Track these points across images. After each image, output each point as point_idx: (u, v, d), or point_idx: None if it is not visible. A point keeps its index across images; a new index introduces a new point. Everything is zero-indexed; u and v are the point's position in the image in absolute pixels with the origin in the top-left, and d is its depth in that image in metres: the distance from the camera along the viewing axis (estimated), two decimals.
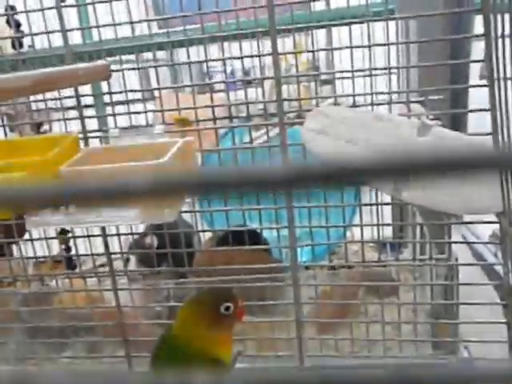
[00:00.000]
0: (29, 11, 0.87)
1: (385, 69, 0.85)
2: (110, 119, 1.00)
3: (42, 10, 0.84)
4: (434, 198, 0.62)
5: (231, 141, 0.92)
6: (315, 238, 0.93)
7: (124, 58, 0.98)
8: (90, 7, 0.90)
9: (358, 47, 0.79)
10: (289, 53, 0.88)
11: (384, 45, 0.81)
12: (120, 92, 0.89)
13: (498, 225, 0.77)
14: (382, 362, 0.91)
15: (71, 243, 1.10)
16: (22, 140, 0.72)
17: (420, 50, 0.94)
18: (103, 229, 0.85)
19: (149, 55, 1.21)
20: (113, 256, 0.91)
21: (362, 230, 0.89)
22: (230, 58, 0.87)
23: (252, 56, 0.85)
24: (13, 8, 0.96)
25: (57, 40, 0.91)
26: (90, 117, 0.90)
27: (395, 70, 1.00)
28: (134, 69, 0.92)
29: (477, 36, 0.65)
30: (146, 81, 1.73)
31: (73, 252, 1.08)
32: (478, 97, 0.83)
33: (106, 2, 0.84)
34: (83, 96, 0.87)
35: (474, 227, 1.34)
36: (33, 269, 1.11)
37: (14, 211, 0.61)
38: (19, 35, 0.94)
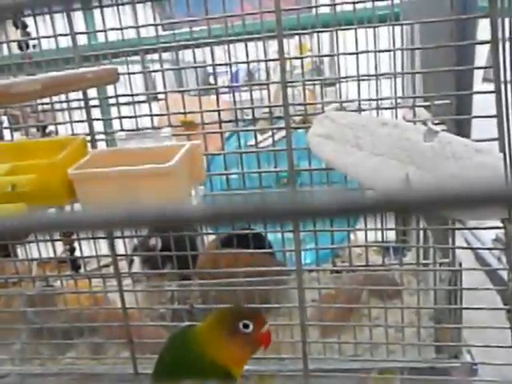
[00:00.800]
0: (36, 14, 0.87)
1: (390, 74, 0.85)
2: (115, 121, 1.00)
3: (50, 12, 0.84)
4: None
5: (236, 143, 0.92)
6: (319, 241, 0.93)
7: (129, 59, 0.99)
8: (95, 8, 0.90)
9: (364, 52, 0.79)
10: (296, 58, 0.88)
11: (390, 50, 0.82)
12: (126, 95, 0.89)
13: (501, 229, 0.77)
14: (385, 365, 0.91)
15: (75, 244, 1.10)
16: (30, 142, 0.72)
17: (425, 54, 0.94)
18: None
19: (153, 56, 1.22)
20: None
21: (366, 233, 0.89)
22: (236, 63, 0.87)
23: (259, 61, 0.86)
24: None
25: (63, 41, 0.91)
26: (96, 119, 0.90)
27: (400, 74, 1.00)
28: (140, 72, 0.93)
29: (483, 42, 0.65)
30: (151, 82, 1.73)
31: (77, 253, 1.08)
32: (481, 100, 0.84)
33: (113, 5, 0.84)
34: (90, 99, 0.87)
35: (477, 231, 1.35)
36: (37, 269, 1.11)
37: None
38: (26, 37, 0.94)
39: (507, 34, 0.61)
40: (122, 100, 0.93)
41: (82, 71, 0.62)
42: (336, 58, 0.97)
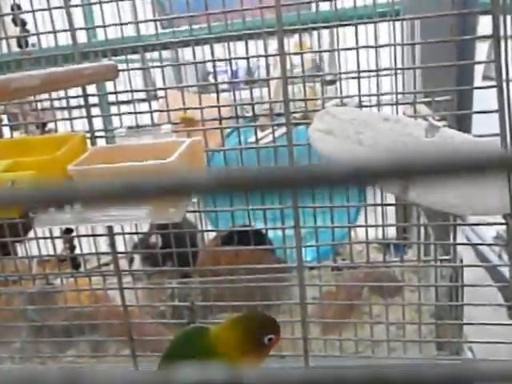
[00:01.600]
0: (35, 10, 0.87)
1: (391, 69, 0.85)
2: (114, 118, 1.00)
3: (49, 9, 0.84)
4: (441, 199, 0.62)
5: (235, 140, 0.92)
6: (319, 238, 0.93)
7: (128, 57, 0.98)
8: (94, 6, 0.90)
9: (365, 47, 0.79)
10: (296, 53, 0.88)
11: (390, 45, 0.81)
12: (126, 91, 0.89)
13: (501, 226, 0.77)
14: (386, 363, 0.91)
15: (75, 242, 1.10)
16: (30, 139, 0.72)
17: (426, 50, 0.94)
18: (109, 228, 0.85)
19: (152, 54, 1.22)
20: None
21: (366, 230, 0.89)
22: (236, 58, 0.87)
23: (259, 56, 0.85)
24: (19, 7, 0.96)
25: (62, 38, 0.91)
26: (96, 116, 0.90)
27: (400, 71, 1.00)
28: (139, 69, 0.92)
29: (485, 37, 0.65)
30: (150, 82, 1.73)
31: (77, 251, 1.08)
32: (480, 97, 0.84)
33: (112, 1, 0.84)
34: (89, 96, 0.87)
35: (477, 228, 1.34)
36: (37, 267, 1.11)
37: (24, 211, 0.61)
38: (25, 34, 0.94)
39: (509, 31, 0.61)
40: (121, 98, 0.93)
41: (82, 67, 0.62)
42: (336, 55, 0.97)
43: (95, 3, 0.86)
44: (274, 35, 0.81)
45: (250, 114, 0.88)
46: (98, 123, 0.90)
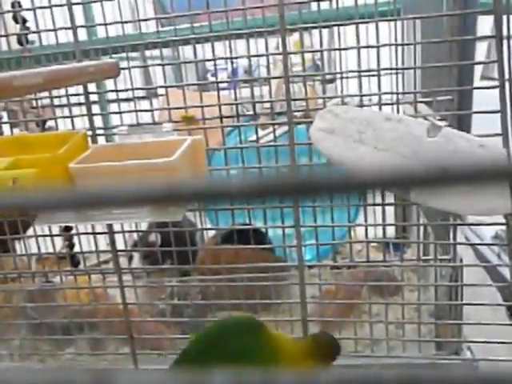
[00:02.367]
0: (36, 8, 0.87)
1: (391, 69, 0.85)
2: (114, 117, 0.99)
3: (50, 6, 0.83)
4: (442, 199, 0.62)
5: (236, 139, 0.92)
6: (319, 237, 0.93)
7: (129, 55, 0.98)
8: (95, 3, 0.89)
9: (366, 47, 0.79)
10: (297, 52, 0.88)
11: (391, 45, 0.81)
12: (126, 90, 0.89)
13: (501, 226, 0.77)
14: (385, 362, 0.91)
15: (75, 240, 1.10)
16: (31, 137, 0.72)
17: (426, 51, 0.94)
18: (110, 226, 0.85)
19: (152, 52, 1.21)
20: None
21: (366, 229, 0.89)
22: (237, 57, 0.87)
23: (261, 55, 0.85)
24: (19, 4, 0.96)
25: (62, 37, 0.90)
26: (97, 114, 0.90)
27: (401, 70, 1.00)
28: (140, 67, 0.92)
29: (487, 37, 0.65)
30: (149, 78, 1.73)
31: (77, 248, 1.08)
32: (480, 97, 0.84)
33: None
34: (90, 93, 0.87)
35: (477, 228, 1.35)
36: (36, 265, 1.11)
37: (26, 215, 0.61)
38: (26, 31, 0.94)
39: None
40: (121, 96, 0.92)
41: (84, 65, 0.62)
42: (335, 54, 0.96)
43: (96, 1, 0.86)
44: (275, 34, 0.81)
45: (251, 112, 0.88)
46: (97, 121, 0.90)
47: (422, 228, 1.00)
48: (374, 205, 0.92)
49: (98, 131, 0.87)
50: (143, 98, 1.10)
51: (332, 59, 1.62)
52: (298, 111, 0.86)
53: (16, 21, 0.96)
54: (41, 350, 1.04)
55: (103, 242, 0.99)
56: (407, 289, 1.05)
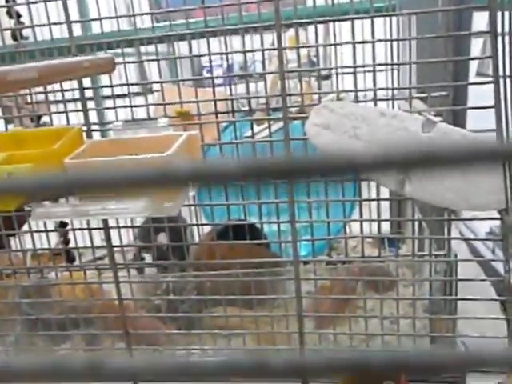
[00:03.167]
0: (30, 2, 0.86)
1: (387, 64, 0.85)
2: (108, 112, 0.99)
3: (45, 1, 0.83)
4: (437, 194, 0.62)
5: (232, 134, 0.92)
6: (314, 233, 0.93)
7: (124, 51, 0.98)
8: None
9: (361, 43, 0.79)
10: (293, 47, 0.88)
11: (386, 40, 0.81)
12: (121, 84, 0.89)
13: (495, 221, 0.77)
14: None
15: (70, 235, 1.10)
16: (26, 132, 0.72)
17: (421, 46, 0.94)
18: (105, 221, 0.85)
19: (147, 48, 1.21)
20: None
21: (361, 225, 0.90)
22: (232, 53, 0.87)
23: (256, 50, 0.85)
24: None
25: (56, 31, 0.90)
26: (92, 109, 0.89)
27: (396, 66, 1.00)
28: (135, 62, 0.92)
29: (482, 32, 0.65)
30: (143, 74, 1.73)
31: (72, 244, 1.08)
32: (474, 94, 0.84)
33: None
34: (85, 88, 0.87)
35: (471, 223, 1.35)
36: (31, 261, 1.11)
37: (22, 201, 0.61)
38: (20, 26, 0.93)
39: (506, 27, 0.61)
40: (116, 92, 0.92)
41: (79, 59, 0.62)
42: (330, 49, 0.96)
43: None
44: (270, 29, 0.81)
45: (246, 108, 0.88)
46: (92, 117, 0.90)
47: (416, 223, 1.00)
48: (369, 200, 0.92)
49: (93, 127, 0.87)
50: (138, 93, 1.10)
51: (327, 55, 1.62)
52: (294, 107, 0.86)
53: (10, 16, 0.96)
54: (36, 345, 1.03)
55: (98, 238, 0.99)
56: (402, 284, 1.05)
